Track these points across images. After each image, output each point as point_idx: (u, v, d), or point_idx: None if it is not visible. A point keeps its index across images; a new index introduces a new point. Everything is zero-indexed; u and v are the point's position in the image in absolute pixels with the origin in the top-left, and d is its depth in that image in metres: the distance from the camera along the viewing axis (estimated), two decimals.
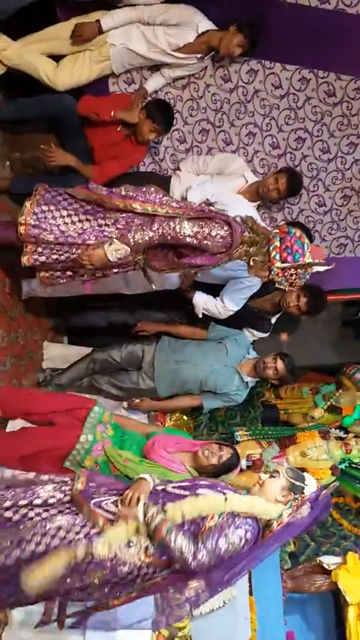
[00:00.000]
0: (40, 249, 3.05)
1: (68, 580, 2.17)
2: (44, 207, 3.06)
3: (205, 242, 2.92)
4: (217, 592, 2.44)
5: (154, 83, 3.82)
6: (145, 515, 2.16)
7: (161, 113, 3.71)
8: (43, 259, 3.09)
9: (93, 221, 3.06)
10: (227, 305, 3.69)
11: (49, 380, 3.88)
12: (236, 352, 3.78)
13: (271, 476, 2.30)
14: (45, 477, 2.43)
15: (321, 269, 3.02)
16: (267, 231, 3.03)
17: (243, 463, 3.92)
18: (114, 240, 2.94)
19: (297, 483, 2.27)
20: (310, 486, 2.29)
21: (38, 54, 3.53)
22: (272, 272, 2.99)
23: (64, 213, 3.07)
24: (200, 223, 2.93)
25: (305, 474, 2.35)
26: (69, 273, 3.17)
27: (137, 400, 3.77)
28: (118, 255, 2.94)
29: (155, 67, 3.79)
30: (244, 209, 3.76)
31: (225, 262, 3.08)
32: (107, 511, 2.26)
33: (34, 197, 3.10)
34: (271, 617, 3.58)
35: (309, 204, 4.38)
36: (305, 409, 4.59)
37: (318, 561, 4.11)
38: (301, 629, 4.04)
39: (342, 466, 4.27)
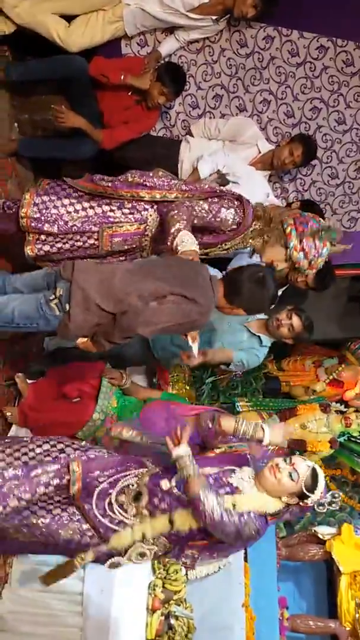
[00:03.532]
0: (43, 237, 2.99)
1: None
2: (45, 198, 2.98)
3: (216, 219, 2.88)
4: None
5: (168, 46, 3.72)
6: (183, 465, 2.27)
7: (171, 76, 3.63)
8: (47, 247, 3.02)
9: (97, 207, 3.00)
10: None
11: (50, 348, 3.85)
12: None
13: (290, 476, 2.32)
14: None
15: (339, 248, 2.99)
16: (278, 213, 2.98)
17: None
18: None
19: (307, 494, 2.32)
20: (315, 497, 2.33)
21: (50, 13, 3.44)
22: (290, 248, 2.94)
23: (66, 202, 2.99)
24: (210, 200, 2.90)
25: (320, 479, 2.35)
26: None
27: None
28: None
29: (170, 29, 3.70)
30: (256, 181, 3.71)
31: (238, 246, 3.04)
32: (112, 518, 2.38)
33: (34, 187, 3.03)
34: (265, 583, 3.66)
35: (322, 175, 4.30)
36: (307, 382, 4.61)
37: (313, 531, 4.16)
38: (294, 596, 4.12)
39: (341, 439, 4.31)
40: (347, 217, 4.46)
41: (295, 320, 3.37)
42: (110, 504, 2.38)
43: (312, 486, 2.30)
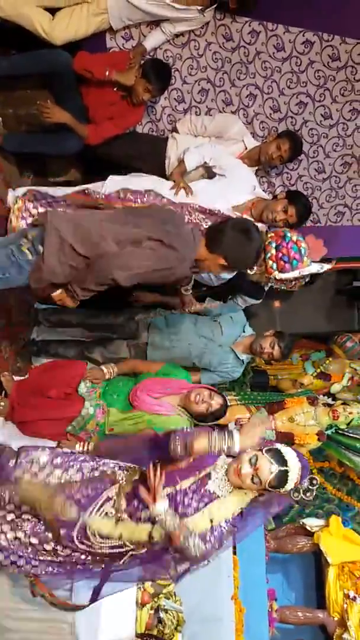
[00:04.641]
0: None
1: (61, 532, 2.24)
2: (30, 205, 3.02)
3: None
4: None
5: (153, 40, 3.68)
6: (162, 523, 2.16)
7: (156, 73, 3.60)
8: None
9: None
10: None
11: (37, 346, 3.79)
12: (231, 331, 3.70)
13: (252, 480, 2.19)
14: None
15: (320, 270, 3.04)
16: (262, 235, 2.95)
17: (231, 427, 3.98)
18: None
19: (274, 491, 2.21)
20: (287, 487, 2.20)
21: (33, 6, 3.39)
22: (271, 281, 3.04)
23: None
24: (196, 215, 2.90)
25: (290, 478, 2.21)
26: None
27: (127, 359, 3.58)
28: None
29: (155, 23, 3.66)
30: (243, 173, 3.70)
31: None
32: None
33: (23, 197, 3.04)
34: (254, 575, 3.69)
35: (308, 170, 4.31)
36: (294, 375, 4.64)
37: (301, 523, 4.20)
38: (282, 587, 4.16)
39: (329, 432, 4.35)
40: (333, 212, 4.48)
41: (276, 350, 3.62)
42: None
43: (278, 486, 2.18)
